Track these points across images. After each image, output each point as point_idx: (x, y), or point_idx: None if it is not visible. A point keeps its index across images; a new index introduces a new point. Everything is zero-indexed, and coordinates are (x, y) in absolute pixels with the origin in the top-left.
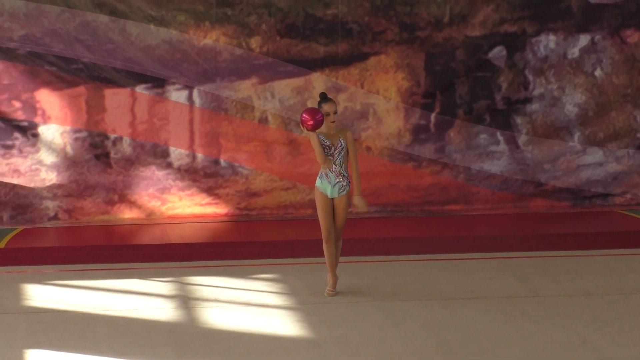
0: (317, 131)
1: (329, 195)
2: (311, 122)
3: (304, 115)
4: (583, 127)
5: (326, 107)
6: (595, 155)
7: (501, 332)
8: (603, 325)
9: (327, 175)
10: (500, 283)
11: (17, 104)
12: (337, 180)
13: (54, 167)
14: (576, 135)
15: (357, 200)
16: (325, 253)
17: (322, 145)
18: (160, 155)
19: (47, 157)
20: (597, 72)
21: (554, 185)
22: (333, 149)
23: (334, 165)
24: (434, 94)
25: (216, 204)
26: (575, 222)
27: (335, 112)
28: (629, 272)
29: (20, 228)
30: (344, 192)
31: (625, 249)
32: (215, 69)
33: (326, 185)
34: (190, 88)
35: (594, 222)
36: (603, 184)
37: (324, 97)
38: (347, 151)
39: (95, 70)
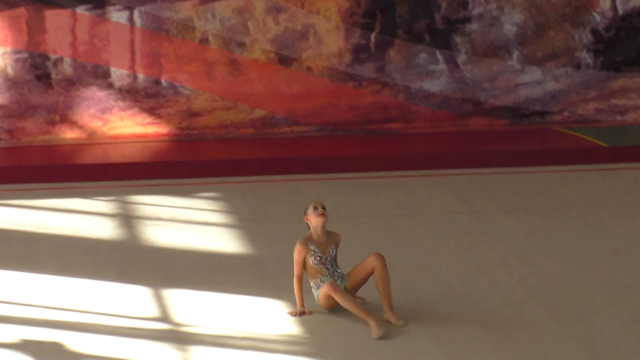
0: (307, 237)
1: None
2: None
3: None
4: (522, 46)
5: (321, 208)
6: (533, 74)
7: (440, 248)
8: (540, 241)
9: (322, 281)
10: (440, 200)
11: None
12: (334, 278)
13: None
14: (515, 55)
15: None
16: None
17: (314, 257)
18: (101, 75)
19: None
20: None
21: (492, 104)
22: (324, 258)
23: (325, 271)
24: (374, 14)
25: (157, 123)
26: (514, 139)
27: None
28: (566, 188)
29: None
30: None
31: (563, 166)
32: None
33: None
34: (130, 9)
35: (532, 139)
36: (541, 103)
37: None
38: (334, 257)
39: None
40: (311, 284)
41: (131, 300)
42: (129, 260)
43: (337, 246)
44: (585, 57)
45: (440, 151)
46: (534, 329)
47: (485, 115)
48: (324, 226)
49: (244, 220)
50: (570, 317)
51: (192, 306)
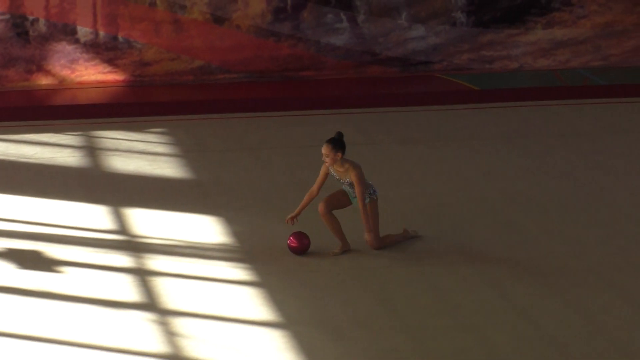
0: (330, 168)
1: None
2: (294, 245)
3: (290, 237)
4: (409, 7)
5: (322, 150)
6: (418, 30)
7: None
8: (426, 166)
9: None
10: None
11: None
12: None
13: None
14: (403, 15)
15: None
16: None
17: (335, 177)
18: (69, 33)
19: None
20: None
21: (386, 55)
22: (342, 182)
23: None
24: None
25: (115, 72)
26: (404, 84)
27: (328, 156)
28: (446, 123)
29: None
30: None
31: (443, 105)
32: None
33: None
34: None
35: (418, 84)
36: (425, 54)
37: (330, 139)
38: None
39: None
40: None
41: (95, 217)
42: (94, 184)
43: (351, 180)
44: (460, 16)
45: (344, 94)
46: (418, 239)
47: (380, 65)
48: (332, 165)
49: (186, 151)
50: (451, 227)
51: (145, 221)
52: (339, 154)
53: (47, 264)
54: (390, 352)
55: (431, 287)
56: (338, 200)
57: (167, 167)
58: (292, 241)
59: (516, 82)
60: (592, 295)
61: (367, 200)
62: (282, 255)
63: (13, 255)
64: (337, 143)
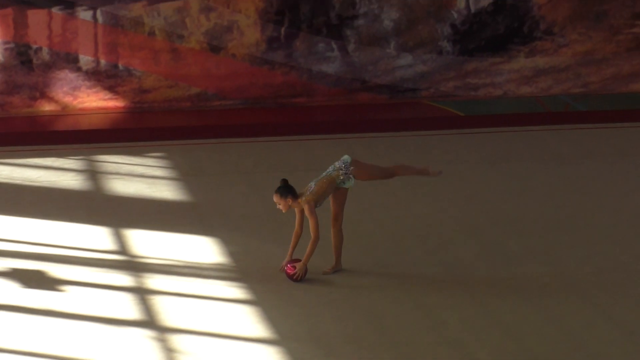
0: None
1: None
2: (290, 271)
3: (289, 265)
4: (397, 37)
5: (274, 199)
6: (406, 59)
7: None
8: (413, 189)
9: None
10: (335, 157)
11: None
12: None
13: None
14: (392, 44)
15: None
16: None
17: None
18: (71, 61)
19: None
20: None
21: (375, 83)
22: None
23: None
24: (284, 12)
25: (116, 99)
26: (392, 110)
27: (279, 204)
28: (432, 148)
29: None
30: (350, 183)
31: (430, 130)
32: None
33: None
34: (94, 8)
35: (406, 110)
36: (413, 81)
37: (277, 188)
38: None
39: None
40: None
41: (97, 238)
42: (95, 206)
43: (301, 210)
44: (446, 45)
45: (335, 119)
46: (409, 257)
47: (369, 92)
48: (286, 210)
49: (184, 175)
50: (437, 247)
51: (144, 242)
52: (289, 199)
53: (50, 283)
54: None
55: (418, 304)
56: (339, 204)
57: (165, 190)
58: (290, 269)
59: (500, 109)
60: (573, 313)
61: (348, 182)
62: (276, 275)
63: (17, 275)
64: (284, 190)
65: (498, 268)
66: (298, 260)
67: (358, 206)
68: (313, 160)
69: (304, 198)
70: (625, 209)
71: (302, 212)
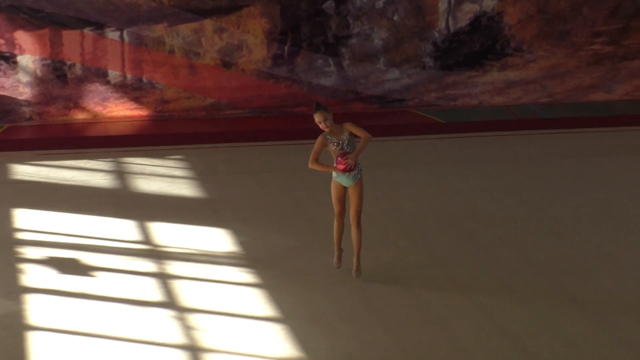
0: (325, 134)
1: (345, 185)
2: (342, 167)
3: (339, 158)
4: (386, 54)
5: (315, 118)
6: (394, 73)
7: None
8: (398, 187)
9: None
10: (330, 158)
11: (2, 41)
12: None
13: (28, 84)
14: (381, 60)
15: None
16: (334, 230)
17: (333, 143)
18: (101, 75)
19: (24, 78)
20: (395, 17)
21: (367, 94)
22: (342, 144)
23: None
24: (287, 33)
25: (140, 108)
26: (381, 118)
27: (326, 119)
28: (417, 151)
29: (6, 126)
30: (356, 179)
31: (414, 135)
32: (138, 17)
33: (341, 178)
34: (121, 30)
35: (394, 118)
36: (399, 92)
37: (316, 107)
38: (349, 140)
39: (55, 18)
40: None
41: (124, 230)
42: (122, 202)
43: (348, 132)
44: (429, 61)
45: None
46: (395, 246)
47: (362, 102)
48: (330, 129)
49: (199, 174)
50: (421, 237)
51: (165, 233)
52: (331, 114)
53: (83, 270)
54: (371, 342)
55: (405, 287)
56: (343, 202)
57: (183, 188)
58: (341, 163)
59: (476, 116)
60: (541, 295)
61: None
62: (280, 261)
63: (55, 262)
64: (325, 107)
65: (474, 255)
66: (348, 153)
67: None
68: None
69: (341, 123)
70: (586, 204)
71: (322, 147)
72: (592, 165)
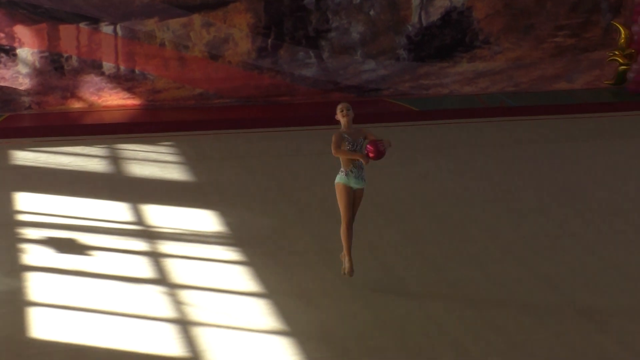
0: (341, 131)
1: (353, 187)
2: (373, 155)
3: (369, 146)
4: (363, 47)
5: (340, 104)
6: (370, 64)
7: (313, 174)
8: (377, 170)
9: (352, 171)
10: (313, 145)
11: (2, 35)
12: (360, 173)
13: (27, 75)
14: (359, 52)
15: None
16: (344, 237)
17: (348, 142)
18: (96, 67)
19: (23, 69)
20: (371, 12)
21: (345, 84)
22: (356, 145)
23: (352, 166)
24: (270, 27)
25: (133, 98)
26: (359, 106)
27: (349, 110)
28: (392, 137)
29: (6, 114)
30: (363, 182)
31: (390, 123)
32: (131, 12)
33: (351, 179)
34: (115, 24)
35: (370, 106)
36: (376, 83)
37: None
38: (363, 145)
39: (52, 13)
40: (340, 170)
41: (118, 211)
42: (116, 185)
43: (365, 137)
44: (403, 53)
45: (313, 114)
46: (372, 225)
47: (341, 91)
48: (349, 122)
49: (189, 160)
50: (397, 217)
51: (157, 215)
52: (353, 114)
53: (80, 249)
54: (350, 315)
55: (380, 264)
56: (352, 208)
57: (174, 172)
58: (370, 150)
59: (447, 105)
60: (506, 270)
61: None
62: (265, 241)
63: (53, 242)
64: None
65: (445, 233)
66: (379, 141)
67: (330, 184)
68: (297, 148)
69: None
70: (549, 186)
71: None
72: (556, 150)
